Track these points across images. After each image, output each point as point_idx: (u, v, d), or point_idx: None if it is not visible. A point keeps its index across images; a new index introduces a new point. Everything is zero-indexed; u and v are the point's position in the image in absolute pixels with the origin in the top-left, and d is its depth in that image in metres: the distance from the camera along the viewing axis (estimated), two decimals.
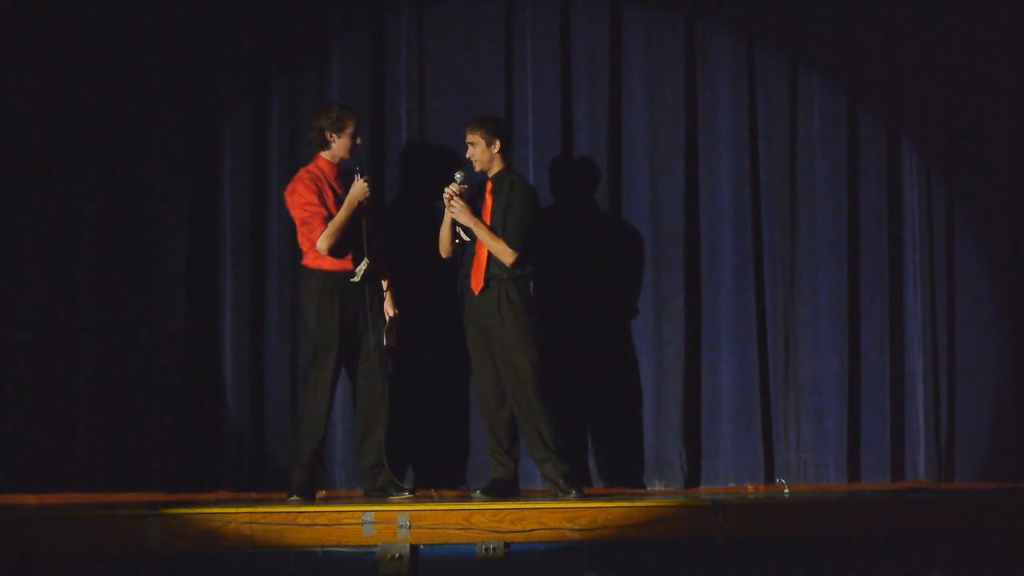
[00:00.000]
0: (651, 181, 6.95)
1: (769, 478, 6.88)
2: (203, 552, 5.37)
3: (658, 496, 6.61)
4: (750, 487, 6.84)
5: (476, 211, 6.23)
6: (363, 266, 6.18)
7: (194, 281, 6.75)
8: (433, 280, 6.63)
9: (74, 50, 6.68)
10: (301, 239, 6.24)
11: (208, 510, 5.48)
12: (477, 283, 6.21)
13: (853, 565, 5.50)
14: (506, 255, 6.15)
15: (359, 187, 6.16)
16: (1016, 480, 6.67)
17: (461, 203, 6.19)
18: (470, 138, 6.26)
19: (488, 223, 6.21)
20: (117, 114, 6.70)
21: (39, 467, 6.49)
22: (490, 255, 6.19)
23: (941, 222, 7.01)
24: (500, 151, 6.26)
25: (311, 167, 6.29)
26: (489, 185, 6.29)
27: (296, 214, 6.21)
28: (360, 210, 6.17)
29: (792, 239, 7.00)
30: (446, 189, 6.20)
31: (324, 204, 6.17)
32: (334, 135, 6.23)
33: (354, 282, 6.17)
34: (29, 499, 6.31)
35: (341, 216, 6.15)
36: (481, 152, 6.25)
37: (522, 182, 6.33)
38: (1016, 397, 6.91)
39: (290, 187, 6.25)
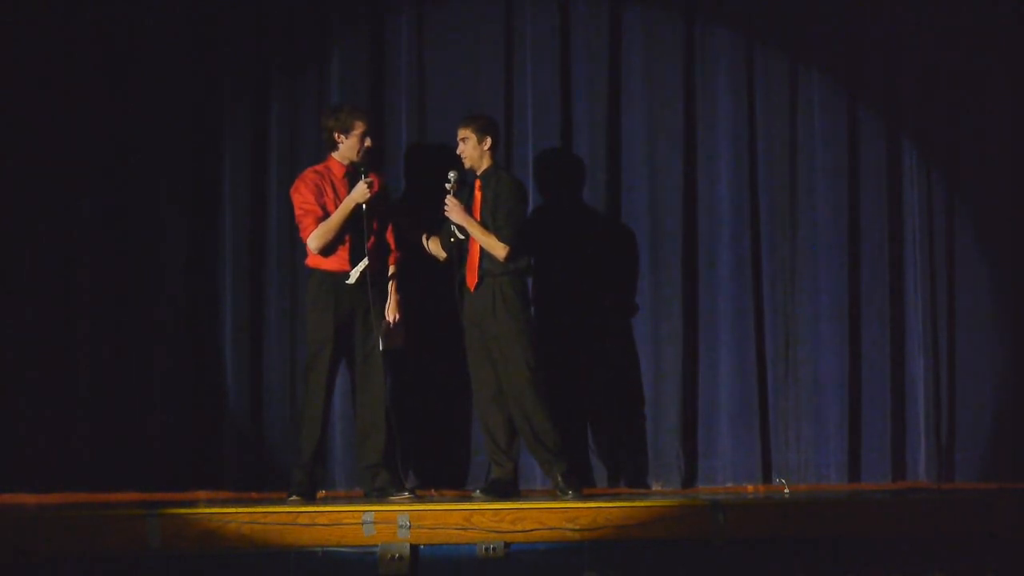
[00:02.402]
0: (650, 181, 6.96)
1: (767, 478, 6.89)
2: (203, 552, 5.37)
3: (658, 496, 6.61)
4: (750, 487, 6.84)
5: (467, 209, 6.24)
6: (360, 268, 6.17)
7: (194, 281, 6.75)
8: (432, 280, 6.63)
9: (74, 50, 6.68)
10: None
11: (208, 510, 5.47)
12: (471, 279, 6.22)
13: (853, 565, 5.49)
14: (498, 249, 6.16)
15: (359, 189, 6.15)
16: (1016, 480, 6.67)
17: (455, 201, 6.21)
18: (462, 134, 6.28)
19: (478, 220, 6.22)
20: (117, 114, 6.71)
21: (39, 467, 6.49)
22: (482, 251, 6.20)
23: (941, 222, 7.01)
24: (490, 148, 6.28)
25: (319, 166, 6.29)
26: (478, 183, 6.31)
27: (295, 212, 6.21)
28: (362, 212, 6.16)
29: (792, 239, 7.00)
30: (447, 190, 6.22)
31: (323, 204, 6.17)
32: (341, 136, 6.23)
33: (349, 284, 6.17)
34: (29, 499, 6.31)
35: (335, 217, 6.14)
36: (472, 148, 6.27)
37: (508, 177, 6.35)
38: (1016, 397, 6.91)
39: (294, 185, 6.25)
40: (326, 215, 6.15)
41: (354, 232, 6.17)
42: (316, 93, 6.86)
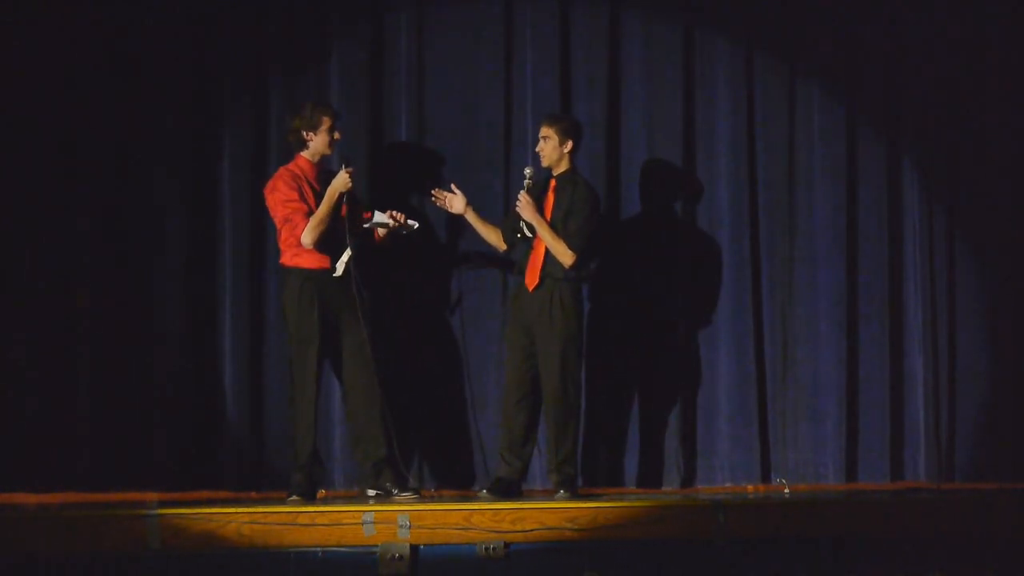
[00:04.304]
0: None
1: (766, 478, 6.89)
2: (203, 552, 5.37)
3: (658, 496, 6.61)
4: (750, 487, 6.84)
5: (539, 208, 6.24)
6: (344, 259, 6.17)
7: (194, 281, 6.75)
8: (432, 281, 6.63)
9: (74, 51, 6.67)
10: (282, 237, 6.24)
11: (208, 510, 5.48)
12: (532, 280, 6.22)
13: (853, 565, 5.50)
14: (566, 256, 6.16)
15: (341, 178, 6.16)
16: (1016, 480, 6.67)
17: (528, 199, 6.20)
18: (544, 132, 6.29)
19: (548, 221, 6.22)
20: (117, 114, 6.70)
21: (39, 467, 6.49)
22: (547, 254, 6.20)
23: (940, 222, 7.00)
24: (570, 151, 6.28)
25: (290, 166, 6.30)
26: (553, 183, 6.32)
27: (278, 212, 6.21)
28: (345, 202, 6.16)
29: (790, 239, 6.99)
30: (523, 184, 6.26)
31: (304, 201, 6.18)
32: (310, 133, 6.25)
33: (336, 277, 6.16)
34: (29, 499, 6.31)
35: (322, 209, 6.15)
36: (552, 148, 6.27)
37: (585, 185, 6.34)
38: (1015, 397, 6.90)
39: (270, 185, 6.26)
40: (311, 211, 6.16)
41: (337, 224, 6.17)
42: (315, 93, 6.84)
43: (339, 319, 6.21)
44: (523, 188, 6.24)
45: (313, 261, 6.18)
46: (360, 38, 6.90)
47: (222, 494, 6.55)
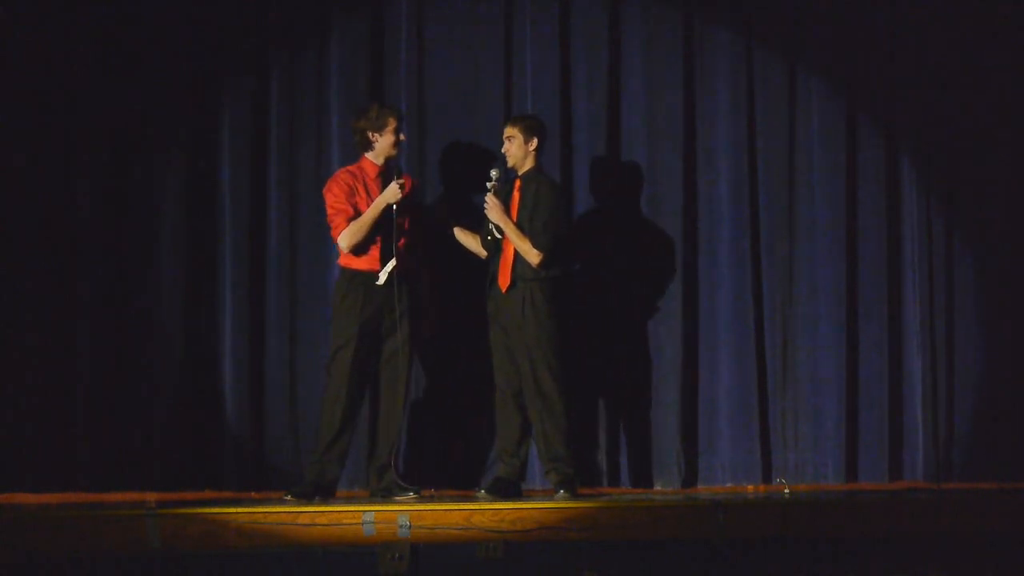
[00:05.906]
0: (650, 180, 6.94)
1: (767, 478, 6.89)
2: (203, 552, 5.37)
3: (658, 496, 6.62)
4: (750, 487, 6.85)
5: (507, 209, 6.24)
6: (388, 268, 6.16)
7: (194, 281, 6.75)
8: (439, 281, 6.64)
9: (72, 46, 6.66)
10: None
11: (208, 510, 5.47)
12: (504, 281, 6.21)
13: (852, 565, 5.50)
14: (532, 255, 6.16)
15: (391, 190, 6.14)
16: (1016, 480, 6.67)
17: (495, 201, 6.20)
18: (508, 132, 6.28)
19: (515, 220, 6.22)
20: (115, 112, 6.69)
21: (39, 467, 6.49)
22: (516, 254, 6.20)
23: (939, 222, 7.01)
24: (535, 150, 6.28)
25: (352, 167, 6.30)
26: (517, 183, 6.31)
27: (327, 211, 6.21)
28: (393, 212, 6.15)
29: (790, 239, 7.00)
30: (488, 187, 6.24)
31: (355, 204, 6.17)
32: (376, 134, 6.22)
33: (378, 284, 6.16)
34: (29, 499, 6.31)
35: (366, 216, 6.14)
36: (517, 148, 6.27)
37: (549, 183, 6.34)
38: (1014, 397, 6.91)
39: (328, 184, 6.26)
40: (357, 214, 6.15)
41: (384, 232, 6.16)
42: (315, 92, 6.86)
43: (381, 324, 6.21)
44: (489, 190, 6.23)
45: (364, 263, 6.18)
46: (359, 36, 6.90)
47: (223, 494, 6.56)
